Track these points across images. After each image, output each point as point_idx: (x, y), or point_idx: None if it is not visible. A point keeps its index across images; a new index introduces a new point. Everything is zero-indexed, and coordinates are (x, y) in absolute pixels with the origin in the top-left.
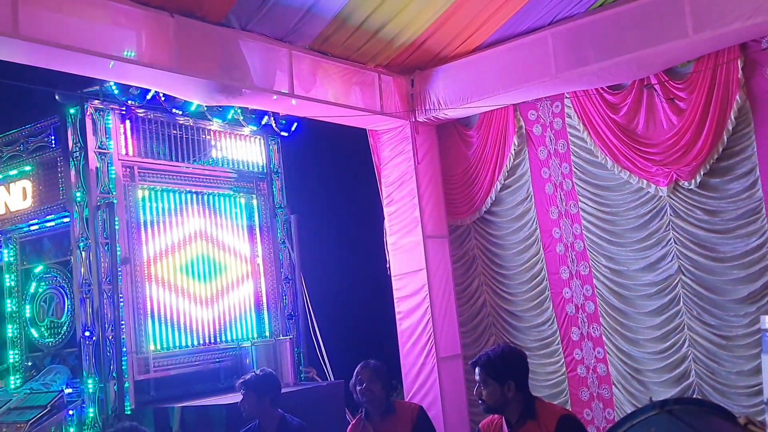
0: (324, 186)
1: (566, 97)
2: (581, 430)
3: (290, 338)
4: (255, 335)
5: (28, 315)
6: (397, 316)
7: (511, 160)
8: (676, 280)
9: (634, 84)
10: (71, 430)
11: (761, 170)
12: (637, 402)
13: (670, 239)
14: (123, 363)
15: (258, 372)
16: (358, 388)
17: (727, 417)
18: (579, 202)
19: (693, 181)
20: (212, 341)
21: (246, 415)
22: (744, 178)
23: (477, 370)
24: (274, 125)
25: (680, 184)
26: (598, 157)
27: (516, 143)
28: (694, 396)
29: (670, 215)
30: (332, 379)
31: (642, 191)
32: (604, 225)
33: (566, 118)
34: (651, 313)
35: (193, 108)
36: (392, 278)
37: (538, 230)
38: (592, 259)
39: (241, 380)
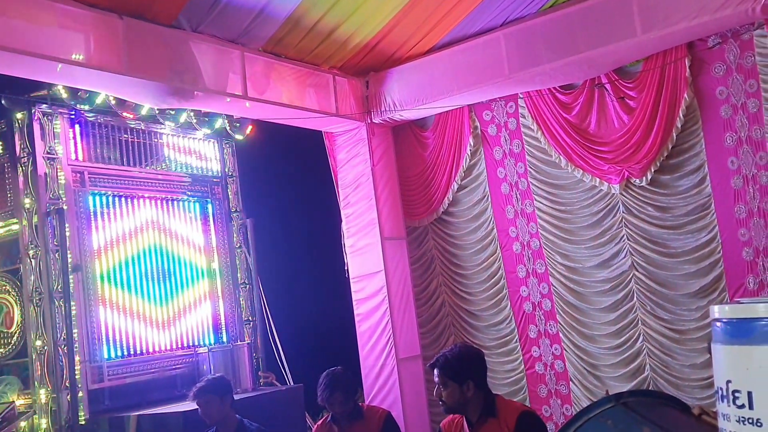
0: (280, 189)
1: (520, 98)
2: (540, 426)
3: (248, 343)
4: (212, 341)
5: None
6: (356, 318)
7: (467, 160)
8: (630, 276)
9: (586, 83)
10: None
11: (709, 167)
12: (594, 397)
13: (623, 236)
14: (75, 372)
15: (210, 377)
16: (322, 400)
17: (681, 408)
18: (534, 201)
19: (644, 178)
20: (168, 348)
21: (210, 421)
22: (693, 174)
23: (435, 371)
24: (228, 128)
25: (632, 181)
26: (552, 156)
27: (471, 144)
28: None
29: (623, 212)
30: (291, 383)
31: (595, 189)
32: (559, 223)
33: (520, 118)
34: (606, 309)
35: (144, 111)
36: (350, 280)
37: (495, 230)
38: (548, 257)
39: (199, 387)
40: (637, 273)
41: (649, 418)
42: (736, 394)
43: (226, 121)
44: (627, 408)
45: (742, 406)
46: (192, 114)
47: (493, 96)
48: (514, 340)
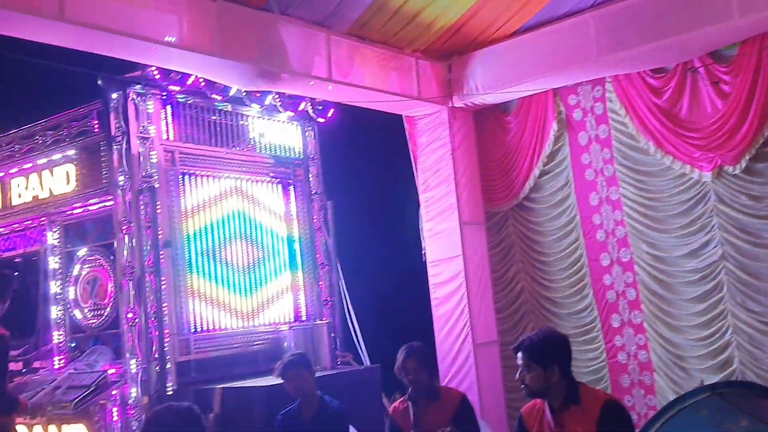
0: (360, 172)
1: (607, 81)
2: (626, 416)
3: (327, 323)
4: (292, 319)
5: (71, 297)
6: (433, 303)
7: (551, 145)
8: (720, 267)
9: (678, 67)
10: (114, 409)
11: None
12: (680, 388)
13: (714, 225)
14: (164, 344)
15: (294, 353)
16: (404, 374)
17: None
18: (620, 188)
19: (738, 166)
20: (251, 324)
21: (296, 395)
22: None
23: (519, 354)
24: (310, 111)
25: (724, 169)
26: (640, 142)
27: (555, 128)
28: None
29: (714, 201)
30: (368, 363)
31: (685, 177)
32: (646, 211)
33: (608, 103)
34: (694, 299)
35: (231, 93)
36: (428, 264)
37: (578, 216)
38: (634, 245)
39: (288, 361)
40: (727, 264)
41: (747, 410)
42: None
43: (309, 103)
44: (723, 399)
45: None
46: (276, 96)
47: (579, 80)
48: (596, 329)
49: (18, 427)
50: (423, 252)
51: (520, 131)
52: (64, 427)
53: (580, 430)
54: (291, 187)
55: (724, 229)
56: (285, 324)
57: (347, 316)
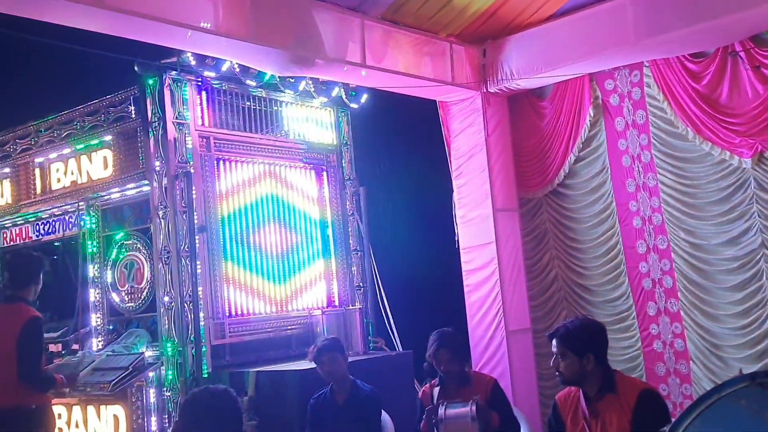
0: (393, 158)
1: (645, 66)
2: (662, 405)
3: (359, 308)
4: (324, 305)
5: (109, 280)
6: (466, 289)
7: (587, 131)
8: (759, 255)
9: (718, 51)
10: (151, 391)
11: None
12: (716, 378)
13: (754, 213)
14: (200, 328)
15: (327, 338)
16: (436, 363)
17: None
18: (658, 175)
19: None
20: (284, 309)
21: (330, 379)
22: None
23: (554, 342)
24: (343, 97)
25: (765, 155)
26: (679, 128)
27: (591, 114)
28: None
29: (754, 188)
30: (400, 349)
31: (724, 163)
32: (684, 198)
33: (645, 88)
34: (732, 288)
35: (266, 79)
36: (461, 251)
37: (614, 203)
38: (671, 232)
39: (323, 345)
40: (767, 252)
41: None
42: None
43: (342, 89)
44: (763, 389)
45: None
46: (310, 82)
47: (616, 64)
48: (632, 317)
49: (56, 408)
50: (456, 238)
51: (555, 117)
52: (102, 407)
53: (615, 418)
54: (324, 173)
55: (764, 217)
56: (318, 309)
57: (380, 301)
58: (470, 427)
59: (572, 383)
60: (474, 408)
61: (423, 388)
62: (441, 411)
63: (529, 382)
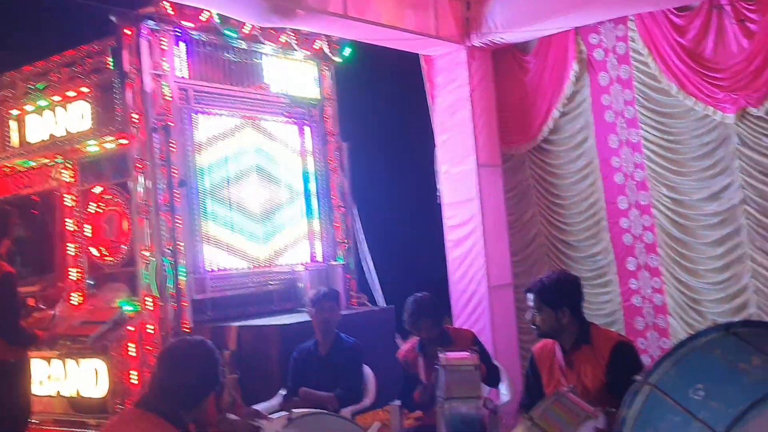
0: (376, 113)
1: (630, 20)
2: (635, 357)
3: (342, 264)
4: (307, 260)
5: (88, 235)
6: (447, 245)
7: (571, 86)
8: (740, 210)
9: (703, 5)
10: (131, 344)
11: None
12: (695, 332)
13: (736, 168)
14: (180, 282)
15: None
16: (415, 331)
17: None
18: (641, 130)
19: (762, 107)
20: (266, 264)
21: (324, 328)
22: None
23: (531, 296)
24: (326, 50)
25: (748, 111)
26: (663, 83)
27: (576, 69)
28: None
29: (737, 143)
30: (383, 305)
31: (708, 118)
32: (667, 154)
33: (630, 42)
34: (712, 243)
35: (246, 30)
36: (443, 207)
37: (597, 159)
38: (653, 188)
39: (324, 293)
40: (748, 207)
41: (761, 348)
42: None
43: (326, 43)
44: (739, 338)
45: None
46: (292, 34)
47: (602, 18)
48: (612, 272)
49: (36, 361)
50: (438, 194)
51: (539, 71)
52: (82, 360)
53: (590, 369)
54: (306, 128)
55: (746, 173)
56: (300, 264)
57: (362, 257)
58: (473, 375)
59: (548, 336)
60: (477, 357)
61: (403, 347)
62: (442, 357)
63: (510, 337)
